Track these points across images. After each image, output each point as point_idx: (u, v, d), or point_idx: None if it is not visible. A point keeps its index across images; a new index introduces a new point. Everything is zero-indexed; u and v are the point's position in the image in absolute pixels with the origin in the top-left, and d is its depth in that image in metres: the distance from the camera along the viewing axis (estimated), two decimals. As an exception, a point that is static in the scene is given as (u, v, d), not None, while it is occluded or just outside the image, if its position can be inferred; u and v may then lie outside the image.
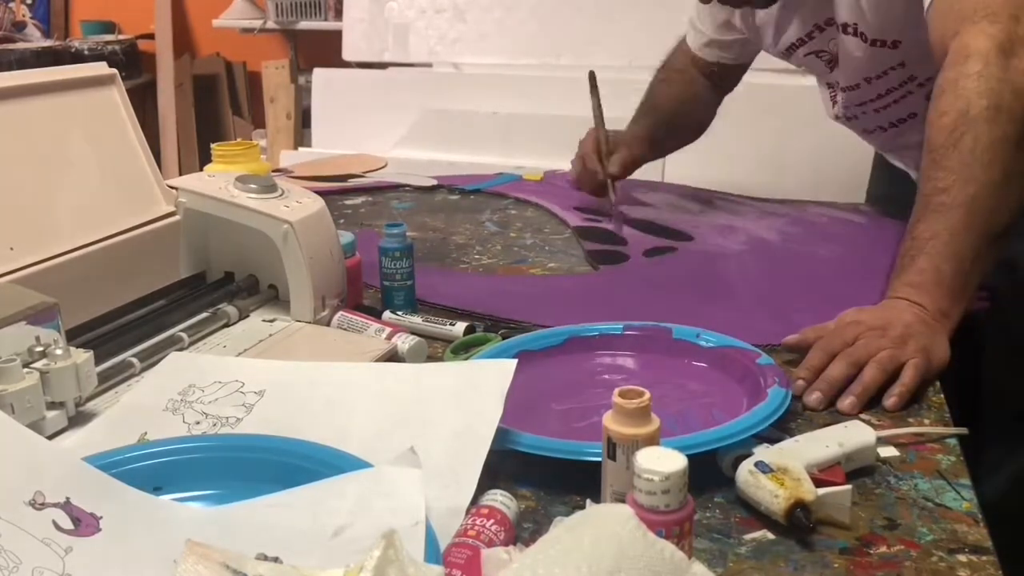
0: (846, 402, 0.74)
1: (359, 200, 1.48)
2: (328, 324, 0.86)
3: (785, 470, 0.60)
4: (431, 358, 0.84)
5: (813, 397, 0.75)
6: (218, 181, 0.87)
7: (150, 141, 0.95)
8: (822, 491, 0.59)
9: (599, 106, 1.38)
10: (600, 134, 1.36)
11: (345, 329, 0.85)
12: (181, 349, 0.79)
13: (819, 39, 1.16)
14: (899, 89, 1.15)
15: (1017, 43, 0.85)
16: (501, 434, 0.63)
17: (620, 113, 2.15)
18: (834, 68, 1.18)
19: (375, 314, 0.89)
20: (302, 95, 3.04)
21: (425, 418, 0.65)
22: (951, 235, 0.81)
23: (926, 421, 0.73)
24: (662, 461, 0.48)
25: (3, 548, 0.49)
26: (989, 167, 0.82)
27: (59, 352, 0.67)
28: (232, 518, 0.56)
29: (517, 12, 2.34)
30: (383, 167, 1.69)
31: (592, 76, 1.40)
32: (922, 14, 0.94)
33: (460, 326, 0.87)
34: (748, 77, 1.91)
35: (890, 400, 0.74)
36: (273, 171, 1.45)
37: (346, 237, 0.93)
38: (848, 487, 0.60)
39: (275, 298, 0.91)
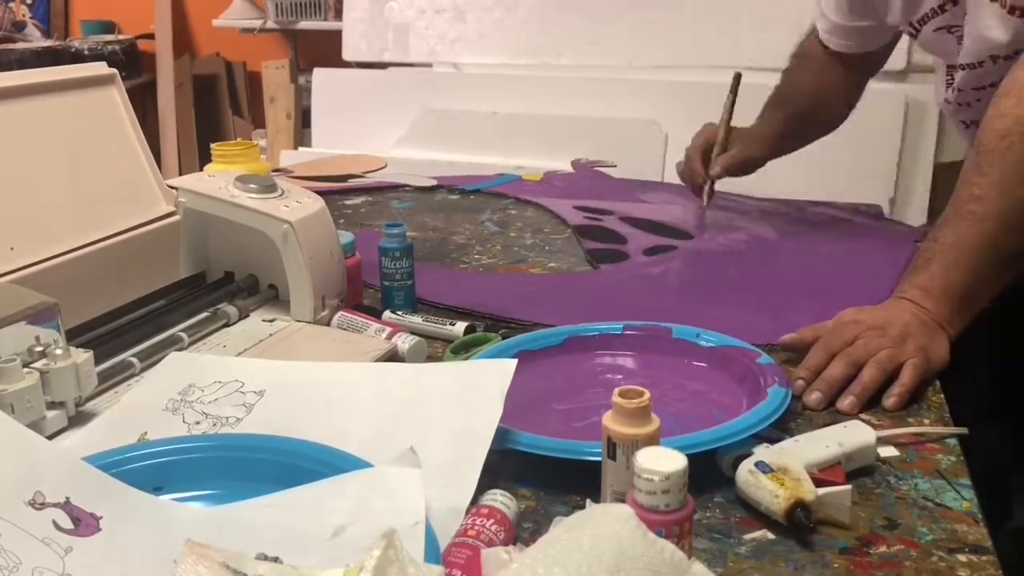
0: (846, 402, 0.74)
1: (359, 200, 1.48)
2: (328, 324, 0.86)
3: (785, 470, 0.60)
4: (431, 358, 0.84)
5: (813, 397, 0.75)
6: (218, 181, 0.87)
7: (150, 141, 0.95)
8: (822, 491, 0.59)
9: (732, 104, 1.31)
10: (721, 130, 1.29)
11: (345, 329, 0.85)
12: (181, 349, 0.79)
13: (952, 12, 1.05)
14: None
15: None
16: (501, 434, 0.63)
17: (620, 114, 2.16)
18: (961, 45, 1.06)
19: (375, 314, 0.89)
20: (302, 95, 3.04)
21: (425, 418, 0.65)
22: (972, 247, 0.81)
23: (926, 421, 0.73)
24: (662, 461, 0.48)
25: (3, 548, 0.49)
26: (1016, 189, 0.80)
27: (59, 352, 0.67)
28: (232, 518, 0.56)
29: (517, 12, 2.34)
30: (383, 167, 1.69)
31: (737, 77, 1.34)
32: None
33: (460, 326, 0.88)
34: (748, 77, 1.91)
35: (890, 400, 0.74)
36: (273, 171, 1.45)
37: (346, 237, 0.93)
38: (848, 487, 0.60)
39: (275, 298, 0.91)
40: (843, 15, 1.20)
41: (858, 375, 0.75)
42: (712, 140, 1.28)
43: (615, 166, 1.66)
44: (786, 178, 1.46)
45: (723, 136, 1.28)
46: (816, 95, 1.29)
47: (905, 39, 1.29)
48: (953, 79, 1.11)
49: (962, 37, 1.05)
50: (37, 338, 0.68)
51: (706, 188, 1.28)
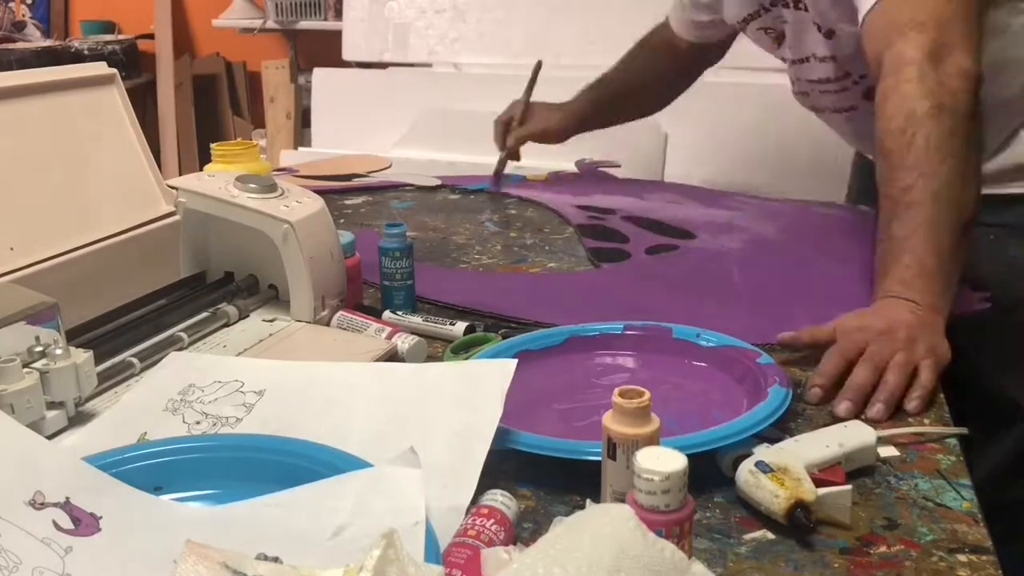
0: (874, 409, 0.73)
1: (359, 200, 1.48)
2: (328, 324, 0.85)
3: (785, 470, 0.60)
4: (431, 358, 0.84)
5: (842, 407, 0.73)
6: (218, 181, 0.87)
7: (150, 141, 0.95)
8: (822, 491, 0.59)
9: (530, 87, 1.52)
10: (520, 107, 1.50)
11: (345, 329, 0.85)
12: (181, 349, 0.79)
13: (766, 17, 1.21)
14: (835, 82, 1.17)
15: (944, 50, 0.90)
16: (501, 434, 0.63)
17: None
18: (782, 44, 1.22)
19: (375, 314, 0.89)
20: (302, 95, 3.04)
21: (425, 418, 0.65)
22: (926, 230, 0.83)
23: (926, 421, 0.73)
24: (662, 461, 0.48)
25: (3, 548, 0.49)
26: (945, 161, 0.85)
27: (59, 352, 0.67)
28: (232, 518, 0.56)
29: (517, 12, 2.34)
30: (387, 167, 1.70)
31: (538, 65, 1.54)
32: (853, 13, 0.99)
33: (460, 326, 0.88)
34: (748, 77, 1.91)
35: (912, 404, 0.74)
36: (275, 170, 1.45)
37: (346, 237, 0.93)
38: (848, 487, 0.60)
39: (275, 298, 0.91)
40: (693, 9, 1.37)
41: (881, 381, 0.75)
42: (513, 116, 1.50)
43: (619, 166, 1.66)
44: (786, 178, 1.46)
45: (520, 113, 1.50)
46: (636, 81, 1.48)
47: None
48: (791, 75, 1.27)
49: (777, 37, 1.22)
50: (37, 338, 0.68)
51: (500, 156, 1.52)
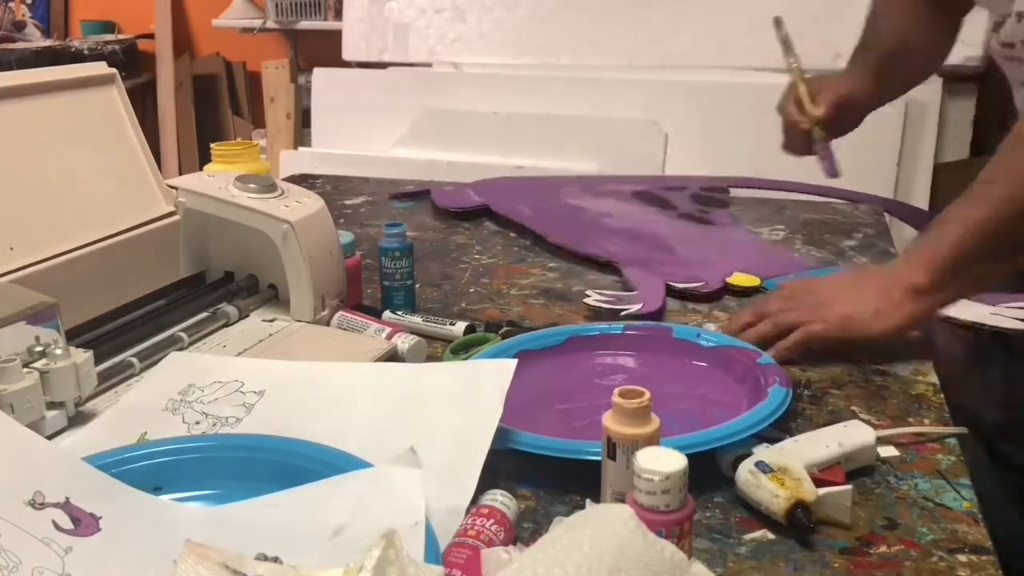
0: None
1: (359, 200, 1.48)
2: (328, 324, 0.86)
3: (785, 470, 0.60)
4: (431, 358, 0.84)
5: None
6: (218, 181, 0.88)
7: (150, 141, 0.95)
8: (822, 491, 0.59)
9: (792, 54, 1.21)
10: (797, 78, 1.19)
11: (345, 329, 0.85)
12: (181, 349, 0.79)
13: None
14: None
15: None
16: (501, 433, 0.63)
17: (620, 114, 2.16)
18: None
19: (375, 314, 0.89)
20: (302, 95, 3.04)
21: (425, 418, 0.65)
22: (969, 227, 0.80)
23: (926, 421, 0.73)
24: (662, 461, 0.48)
25: (3, 548, 0.49)
26: None
27: (59, 352, 0.67)
28: (232, 518, 0.56)
29: (517, 12, 2.34)
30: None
31: (778, 21, 1.23)
32: None
33: (460, 326, 0.88)
34: (748, 77, 1.91)
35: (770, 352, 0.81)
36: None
37: (346, 237, 0.93)
38: (848, 487, 0.60)
39: (275, 298, 0.91)
40: None
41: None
42: (797, 97, 1.19)
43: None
44: (787, 178, 1.46)
45: (802, 83, 1.18)
46: (904, 36, 1.18)
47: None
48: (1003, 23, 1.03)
49: None
50: (37, 338, 0.68)
51: (817, 132, 1.17)
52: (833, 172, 1.19)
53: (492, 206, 1.33)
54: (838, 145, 1.19)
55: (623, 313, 0.93)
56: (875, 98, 1.20)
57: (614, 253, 1.12)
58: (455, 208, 1.35)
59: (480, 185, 1.47)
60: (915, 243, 0.85)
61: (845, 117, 1.19)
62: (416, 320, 0.89)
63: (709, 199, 1.37)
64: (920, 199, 2.06)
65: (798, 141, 1.20)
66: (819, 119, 1.16)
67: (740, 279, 1.03)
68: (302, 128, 3.05)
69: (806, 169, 1.30)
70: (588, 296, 0.98)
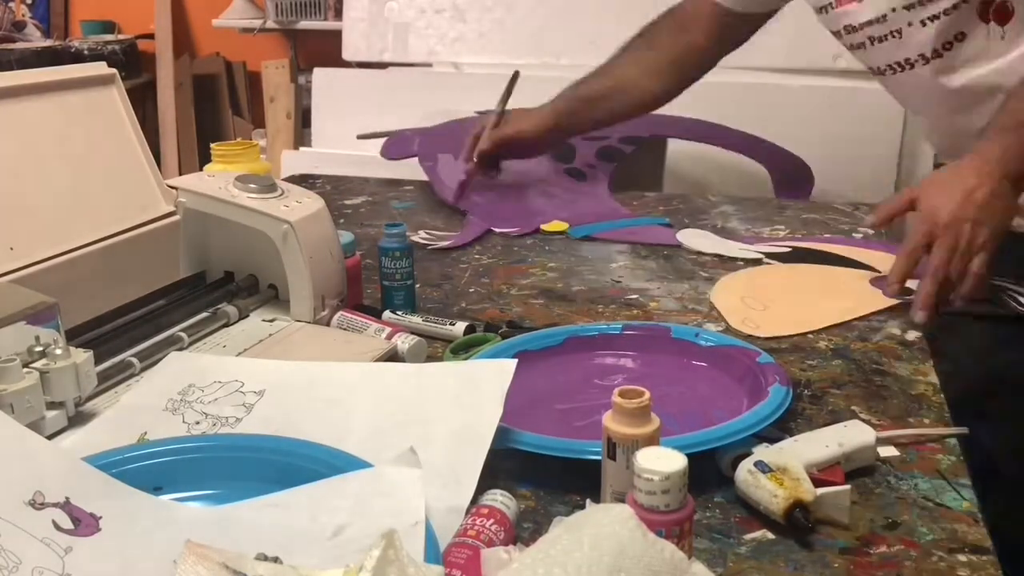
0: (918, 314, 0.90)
1: (359, 200, 1.48)
2: (328, 324, 0.85)
3: (784, 470, 0.60)
4: (431, 358, 0.84)
5: (919, 315, 0.90)
6: (218, 181, 0.88)
7: (150, 141, 0.95)
8: (821, 491, 0.59)
9: (506, 96, 1.39)
10: (494, 115, 1.35)
11: (345, 329, 0.85)
12: (181, 349, 0.79)
13: None
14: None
15: None
16: (501, 433, 0.63)
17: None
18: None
19: (375, 314, 0.89)
20: (302, 95, 3.04)
21: (425, 418, 0.65)
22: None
23: (926, 421, 0.73)
24: (662, 461, 0.48)
25: (3, 548, 0.49)
26: None
27: (59, 352, 0.67)
28: (232, 518, 0.56)
29: (517, 12, 2.34)
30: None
31: (514, 75, 1.43)
32: None
33: (460, 326, 0.88)
34: (749, 77, 1.90)
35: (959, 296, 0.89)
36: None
37: (346, 237, 0.93)
38: (847, 487, 0.60)
39: (275, 298, 0.91)
40: None
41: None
42: (484, 125, 1.35)
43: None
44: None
45: (494, 119, 1.34)
46: (630, 72, 1.32)
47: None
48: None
49: None
50: (37, 338, 0.68)
51: (467, 167, 1.35)
52: (458, 196, 1.35)
53: (419, 159, 1.49)
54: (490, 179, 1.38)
55: (432, 247, 1.18)
56: (557, 135, 1.35)
57: (474, 203, 1.34)
58: (391, 157, 1.54)
59: (425, 133, 1.61)
60: (984, 132, 0.95)
61: (511, 152, 1.36)
62: (416, 320, 0.89)
63: (609, 154, 1.52)
64: (920, 199, 2.06)
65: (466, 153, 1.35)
66: (478, 152, 1.33)
67: (552, 226, 1.26)
68: (302, 128, 3.05)
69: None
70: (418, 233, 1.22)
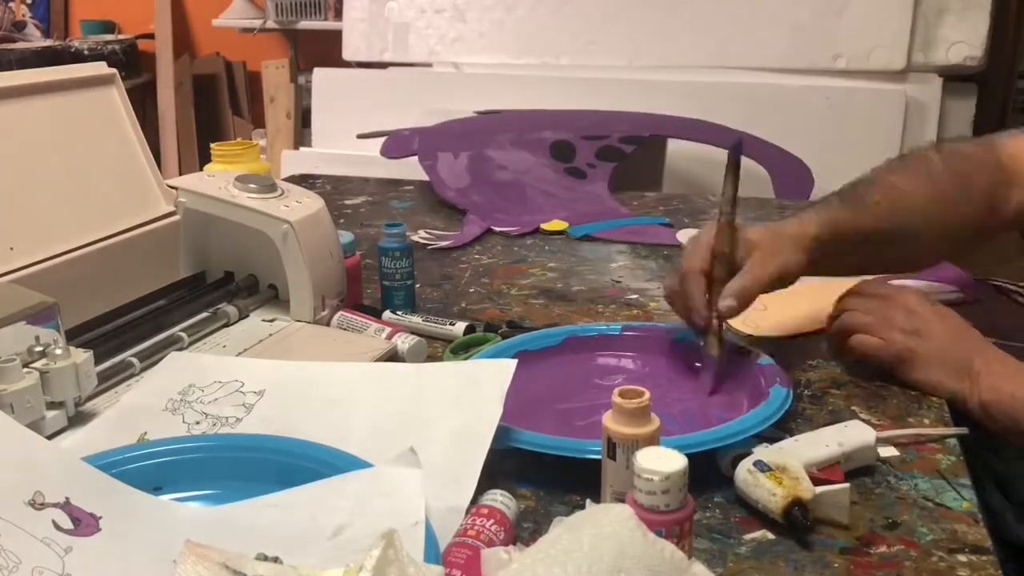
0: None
1: (359, 200, 1.48)
2: (328, 324, 0.85)
3: (783, 469, 0.60)
4: (431, 358, 0.84)
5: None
6: (218, 181, 0.88)
7: (150, 141, 0.95)
8: (820, 489, 0.59)
9: (734, 187, 0.81)
10: (722, 236, 0.79)
11: (345, 329, 0.85)
12: (181, 349, 0.79)
13: None
14: None
15: None
16: (501, 432, 0.63)
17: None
18: None
19: (375, 314, 0.89)
20: (302, 95, 3.04)
21: (425, 418, 0.65)
22: None
23: (926, 421, 0.73)
24: (662, 461, 0.48)
25: (3, 548, 0.49)
26: None
27: (59, 352, 0.67)
28: (232, 518, 0.56)
29: (517, 12, 2.34)
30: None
31: (737, 147, 0.82)
32: None
33: (460, 326, 0.88)
34: (749, 77, 1.90)
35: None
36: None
37: (346, 237, 0.93)
38: (846, 486, 0.60)
39: (275, 298, 0.91)
40: None
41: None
42: (715, 251, 0.79)
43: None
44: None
45: (726, 244, 0.79)
46: (927, 203, 0.87)
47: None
48: None
49: None
50: (37, 338, 0.68)
51: (716, 331, 0.78)
52: (707, 387, 0.78)
53: (419, 157, 1.50)
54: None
55: (432, 247, 1.18)
56: (826, 265, 0.86)
57: (474, 203, 1.35)
58: (391, 156, 1.54)
59: (425, 132, 1.62)
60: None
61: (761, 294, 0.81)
62: (416, 320, 0.89)
63: (609, 153, 1.54)
64: (920, 199, 2.06)
65: (689, 316, 0.80)
66: (723, 316, 0.78)
67: (552, 225, 1.27)
68: (302, 128, 3.05)
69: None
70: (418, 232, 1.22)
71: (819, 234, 0.82)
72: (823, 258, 0.83)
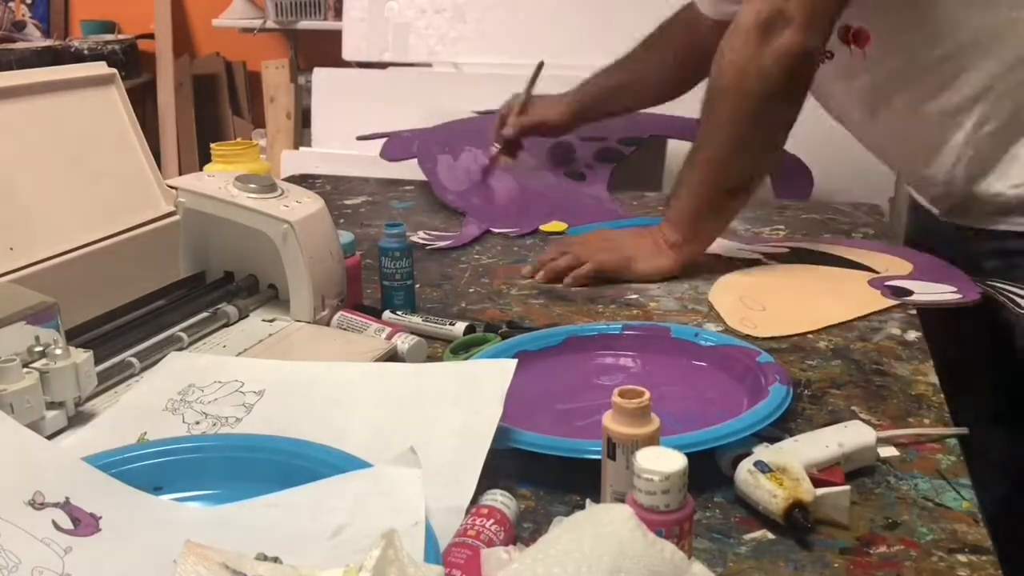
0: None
1: (359, 200, 1.48)
2: (328, 324, 0.85)
3: (784, 470, 0.60)
4: (431, 358, 0.84)
5: (527, 269, 1.08)
6: (218, 181, 0.88)
7: (150, 141, 0.95)
8: (820, 491, 0.59)
9: (531, 83, 1.45)
10: (522, 98, 1.42)
11: (345, 329, 0.85)
12: (181, 349, 0.79)
13: None
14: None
15: (779, 20, 0.94)
16: (502, 433, 0.63)
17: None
18: None
19: (375, 314, 0.89)
20: (302, 95, 3.04)
21: (425, 418, 0.65)
22: (692, 186, 1.04)
23: (926, 421, 0.73)
24: (662, 461, 0.48)
25: (3, 548, 0.49)
26: (726, 135, 1.00)
27: (59, 352, 0.67)
28: (232, 518, 0.56)
29: (517, 12, 2.33)
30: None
31: (539, 65, 1.49)
32: None
33: (460, 326, 0.88)
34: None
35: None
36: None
37: (346, 237, 0.93)
38: (847, 488, 0.60)
39: (275, 298, 0.91)
40: None
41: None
42: (511, 108, 1.41)
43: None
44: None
45: (519, 105, 1.41)
46: (643, 69, 1.38)
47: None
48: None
49: None
50: (37, 338, 0.68)
51: (497, 148, 1.41)
52: (484, 178, 1.43)
53: (419, 160, 1.50)
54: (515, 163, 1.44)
55: (432, 247, 1.20)
56: (579, 119, 1.41)
57: (474, 204, 1.37)
58: (391, 159, 1.55)
59: (424, 134, 1.62)
60: (668, 204, 1.08)
61: (536, 134, 1.42)
62: (416, 320, 0.89)
63: (608, 155, 1.54)
64: (920, 199, 2.06)
65: (494, 135, 1.42)
66: (505, 137, 1.40)
67: (551, 226, 1.29)
68: (302, 128, 3.05)
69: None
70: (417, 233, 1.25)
71: (578, 94, 1.40)
72: (584, 112, 1.39)
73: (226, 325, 0.85)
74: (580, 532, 0.43)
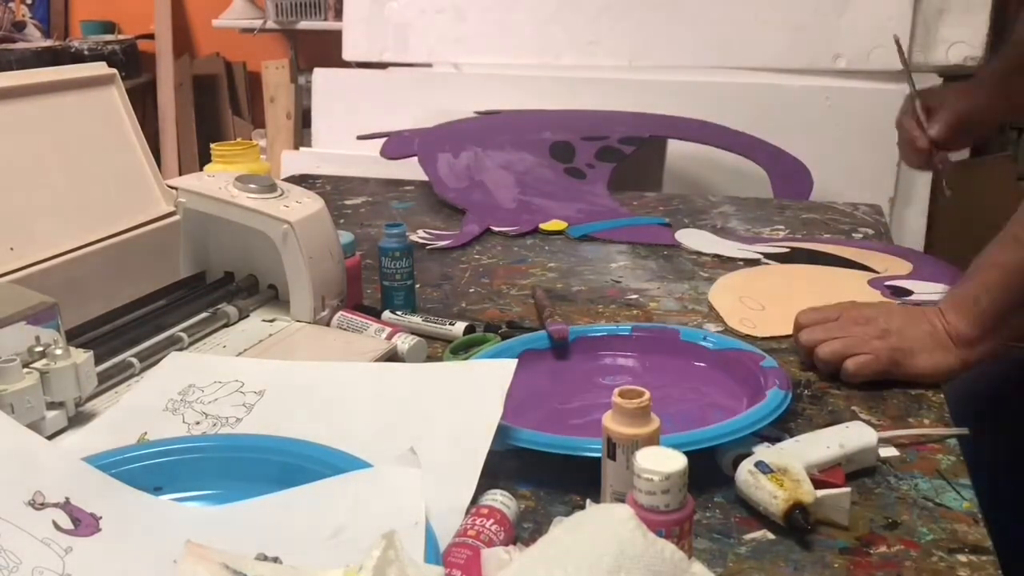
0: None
1: (359, 200, 1.48)
2: (328, 324, 0.85)
3: (785, 471, 0.60)
4: (431, 358, 0.84)
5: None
6: (218, 181, 0.88)
7: (150, 141, 0.95)
8: (821, 493, 0.59)
9: (907, 69, 1.22)
10: (915, 102, 1.14)
11: (345, 329, 0.85)
12: (181, 349, 0.79)
13: None
14: None
15: None
16: (501, 432, 0.63)
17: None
18: None
19: (375, 314, 0.89)
20: (302, 95, 3.04)
21: (425, 418, 0.65)
22: (1008, 272, 0.81)
23: (926, 421, 0.73)
24: (662, 461, 0.48)
25: (3, 548, 0.49)
26: None
27: (59, 352, 0.67)
28: (232, 518, 0.56)
29: (517, 12, 2.33)
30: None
31: (897, 40, 1.28)
32: None
33: (460, 326, 0.88)
34: (748, 77, 1.90)
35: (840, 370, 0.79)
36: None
37: (346, 237, 0.93)
38: (847, 489, 0.60)
39: (275, 298, 0.91)
40: None
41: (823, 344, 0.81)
42: (915, 114, 1.14)
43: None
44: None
45: (918, 98, 1.14)
46: None
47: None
48: None
49: None
50: (37, 338, 0.68)
51: (935, 156, 1.11)
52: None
53: (419, 159, 1.50)
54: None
55: (432, 247, 1.19)
56: (994, 117, 1.19)
57: (475, 202, 1.37)
58: (391, 157, 1.55)
59: (424, 132, 1.62)
60: (960, 282, 0.85)
61: (959, 137, 1.14)
62: (416, 320, 0.89)
63: (609, 154, 1.54)
64: (920, 199, 2.06)
65: (915, 157, 1.16)
66: (935, 139, 1.11)
67: (551, 225, 1.27)
68: (302, 128, 3.05)
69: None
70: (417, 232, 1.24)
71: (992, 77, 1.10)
72: (1004, 95, 1.09)
73: (226, 325, 0.85)
74: (580, 532, 0.43)
